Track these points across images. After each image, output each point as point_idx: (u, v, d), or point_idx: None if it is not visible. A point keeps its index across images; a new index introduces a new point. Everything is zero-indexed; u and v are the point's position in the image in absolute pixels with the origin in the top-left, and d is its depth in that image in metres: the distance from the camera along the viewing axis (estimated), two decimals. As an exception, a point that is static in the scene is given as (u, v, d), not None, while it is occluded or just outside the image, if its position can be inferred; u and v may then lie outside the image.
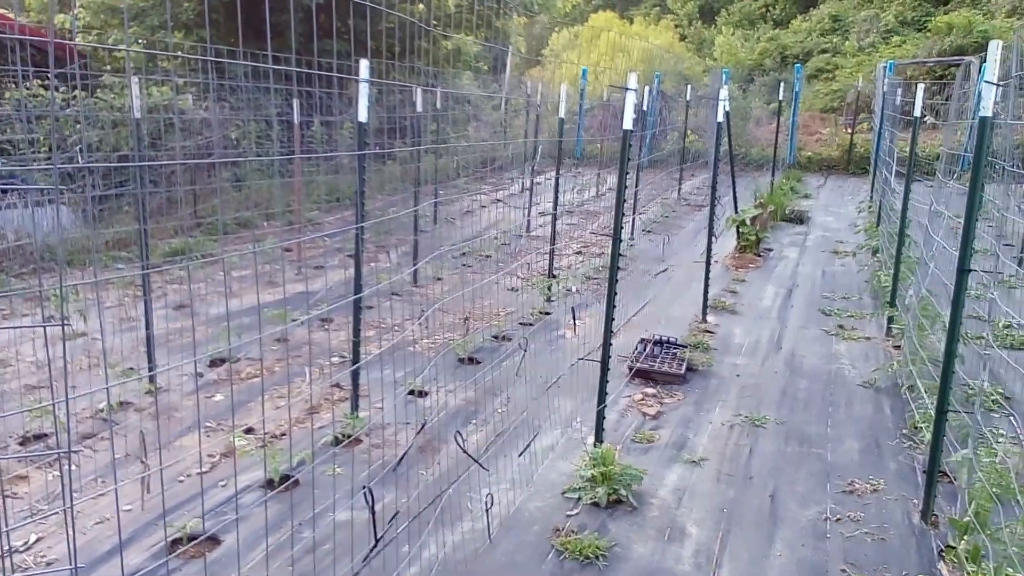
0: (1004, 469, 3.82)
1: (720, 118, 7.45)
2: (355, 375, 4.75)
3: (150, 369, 5.19)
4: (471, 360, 5.95)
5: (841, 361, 6.20)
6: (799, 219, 12.59)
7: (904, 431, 4.89)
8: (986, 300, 4.22)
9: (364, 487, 3.09)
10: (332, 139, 12.71)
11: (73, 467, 4.14)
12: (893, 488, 4.21)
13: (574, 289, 8.21)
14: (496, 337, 6.50)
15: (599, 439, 4.39)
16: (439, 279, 8.41)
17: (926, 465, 3.99)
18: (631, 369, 5.69)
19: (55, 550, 3.49)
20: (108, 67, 11.85)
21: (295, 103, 8.95)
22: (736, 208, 10.02)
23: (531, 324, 6.91)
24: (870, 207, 12.98)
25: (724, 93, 7.51)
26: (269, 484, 3.99)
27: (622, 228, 4.35)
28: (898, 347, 6.32)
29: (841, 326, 7.10)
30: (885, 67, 13.20)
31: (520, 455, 4.34)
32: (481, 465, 4.04)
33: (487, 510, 3.68)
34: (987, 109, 3.45)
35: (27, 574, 3.27)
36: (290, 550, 3.45)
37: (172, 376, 5.31)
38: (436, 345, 6.29)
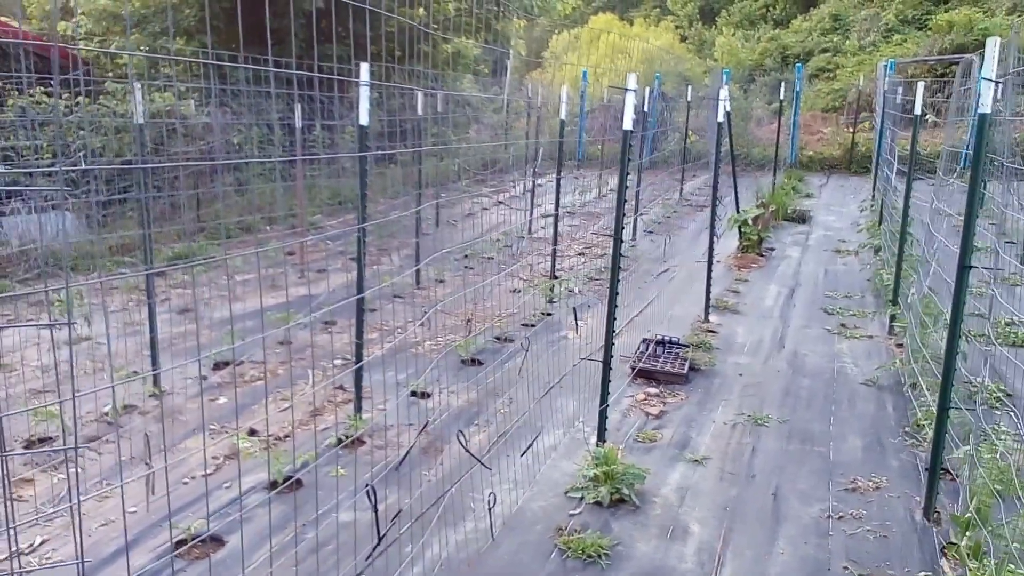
0: (1006, 465, 3.82)
1: (721, 118, 7.47)
2: (358, 377, 4.77)
3: (154, 372, 5.21)
4: (473, 361, 5.97)
5: (843, 359, 6.20)
6: (801, 218, 12.59)
7: (906, 429, 4.89)
8: (987, 297, 4.22)
9: (367, 486, 3.10)
10: (334, 143, 12.74)
11: (78, 469, 4.16)
12: (895, 485, 4.22)
13: (576, 290, 8.22)
14: (498, 338, 6.51)
15: (602, 439, 4.40)
16: (441, 281, 8.43)
17: (928, 462, 4.00)
18: (633, 369, 5.70)
19: (61, 552, 3.51)
20: (111, 73, 11.90)
21: (297, 107, 8.98)
22: (738, 208, 10.02)
23: (533, 325, 6.92)
24: (872, 206, 12.97)
25: (724, 93, 7.52)
26: (273, 485, 4.00)
27: (623, 229, 4.37)
28: (900, 345, 6.32)
29: (843, 325, 7.10)
30: (886, 66, 13.20)
31: (522, 455, 4.35)
32: (483, 464, 4.05)
33: (490, 510, 3.69)
34: (986, 106, 3.46)
35: (34, 574, 3.29)
36: (294, 550, 3.46)
37: (176, 379, 5.33)
38: (439, 346, 6.30)
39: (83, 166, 8.00)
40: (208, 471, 4.23)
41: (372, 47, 7.89)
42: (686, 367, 5.74)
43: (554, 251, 8.66)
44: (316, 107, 10.81)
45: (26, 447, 4.46)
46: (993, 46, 3.40)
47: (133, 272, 7.85)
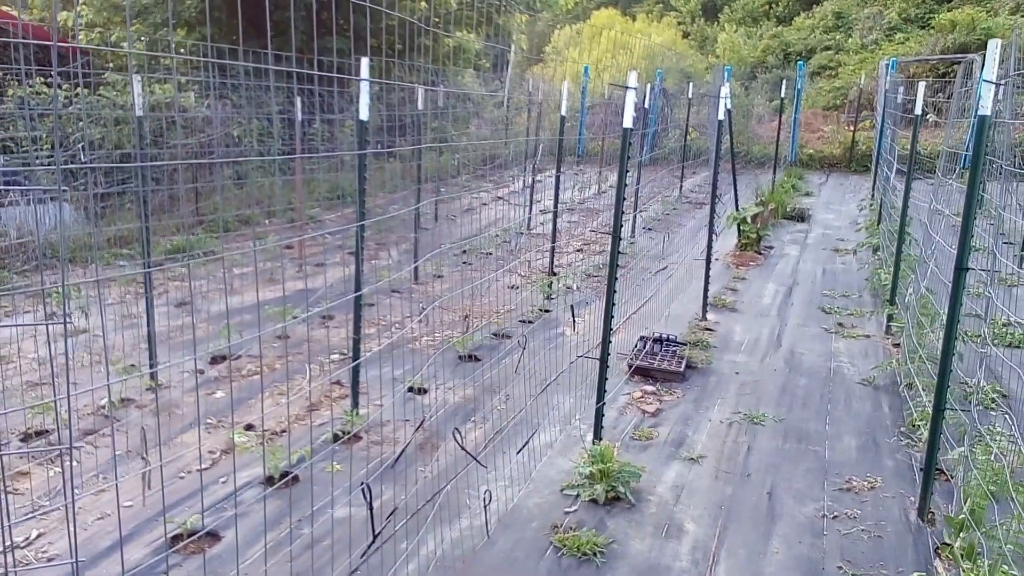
0: (1000, 467, 3.83)
1: (721, 116, 7.46)
2: (355, 372, 4.77)
3: (151, 366, 5.21)
4: (471, 357, 5.97)
5: (840, 359, 6.21)
6: (800, 217, 12.58)
7: (902, 429, 4.90)
8: (984, 298, 4.23)
9: (362, 483, 3.11)
10: (333, 137, 12.73)
11: (74, 463, 4.17)
12: (890, 485, 4.22)
13: (574, 287, 8.22)
14: (496, 335, 6.52)
15: (598, 436, 4.41)
16: (439, 276, 8.43)
17: (923, 463, 4.00)
18: (630, 367, 5.70)
19: (56, 546, 3.52)
20: (110, 65, 11.86)
21: (297, 101, 8.96)
22: (737, 206, 10.02)
23: (531, 322, 6.93)
24: (871, 205, 12.97)
25: (725, 90, 7.51)
26: (269, 481, 4.01)
27: (622, 226, 4.36)
28: (897, 345, 6.33)
29: (841, 324, 7.10)
30: (888, 64, 13.18)
31: (519, 452, 4.36)
32: (479, 462, 4.05)
33: (485, 507, 3.70)
34: (986, 108, 3.46)
35: (29, 568, 3.29)
36: (289, 546, 3.47)
37: (173, 373, 5.33)
38: (436, 342, 6.30)
39: (81, 159, 7.98)
40: (204, 466, 4.23)
41: (373, 40, 7.86)
42: (683, 365, 5.74)
43: (553, 247, 8.66)
44: (316, 101, 10.80)
45: (23, 439, 4.46)
46: (994, 48, 3.39)
47: (131, 266, 7.85)
